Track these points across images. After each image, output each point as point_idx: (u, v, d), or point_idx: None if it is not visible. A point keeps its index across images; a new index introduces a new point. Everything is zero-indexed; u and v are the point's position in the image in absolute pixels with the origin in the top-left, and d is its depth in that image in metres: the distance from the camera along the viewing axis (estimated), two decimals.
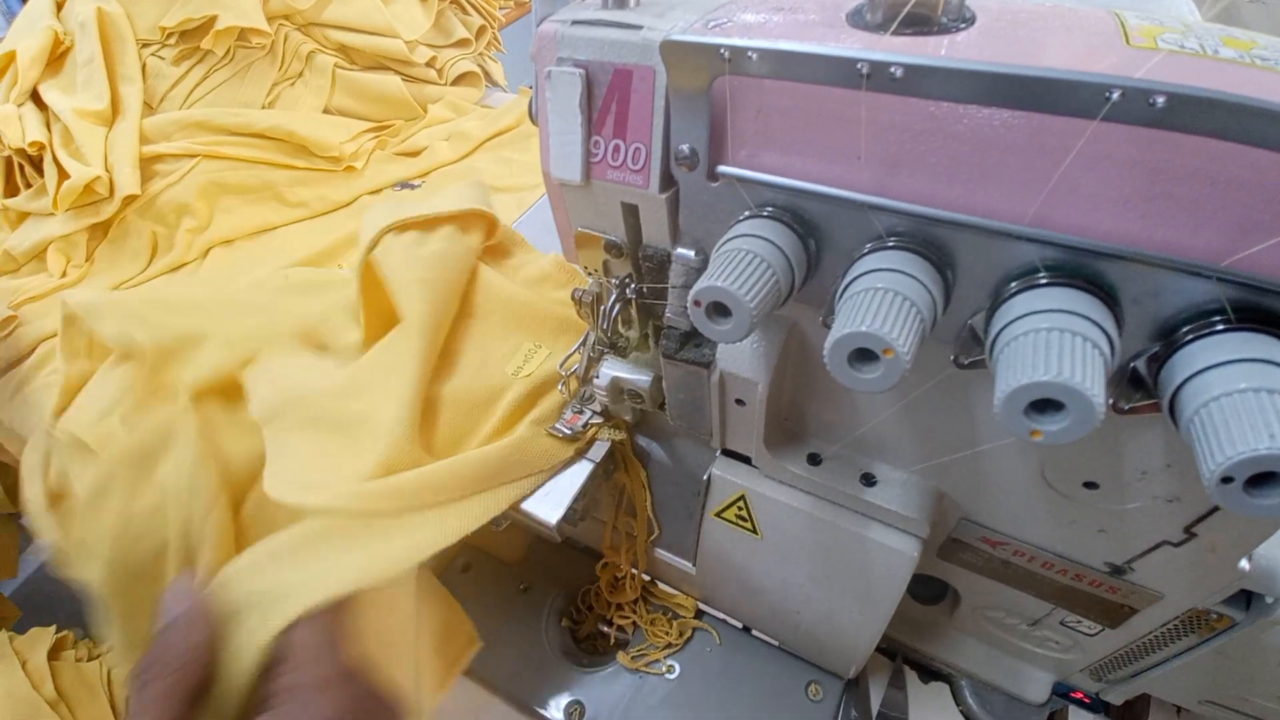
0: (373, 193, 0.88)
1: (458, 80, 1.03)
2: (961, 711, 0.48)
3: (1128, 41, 0.23)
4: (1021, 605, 0.41)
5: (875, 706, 0.48)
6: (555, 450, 0.43)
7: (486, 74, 1.08)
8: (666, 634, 0.51)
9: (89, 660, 0.83)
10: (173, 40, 0.87)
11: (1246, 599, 0.33)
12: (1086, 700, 0.47)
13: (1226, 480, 0.19)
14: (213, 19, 0.85)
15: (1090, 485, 0.30)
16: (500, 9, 1.11)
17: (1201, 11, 0.36)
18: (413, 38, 0.96)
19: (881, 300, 0.23)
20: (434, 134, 0.95)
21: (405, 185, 0.89)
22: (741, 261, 0.25)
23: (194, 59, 0.88)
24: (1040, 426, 0.21)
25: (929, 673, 0.50)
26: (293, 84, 0.92)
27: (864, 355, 0.23)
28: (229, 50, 0.89)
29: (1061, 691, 0.47)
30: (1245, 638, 0.34)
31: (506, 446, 0.41)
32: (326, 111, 0.93)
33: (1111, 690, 0.44)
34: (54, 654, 0.81)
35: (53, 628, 0.85)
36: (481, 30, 1.06)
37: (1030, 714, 0.46)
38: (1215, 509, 0.29)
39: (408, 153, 0.93)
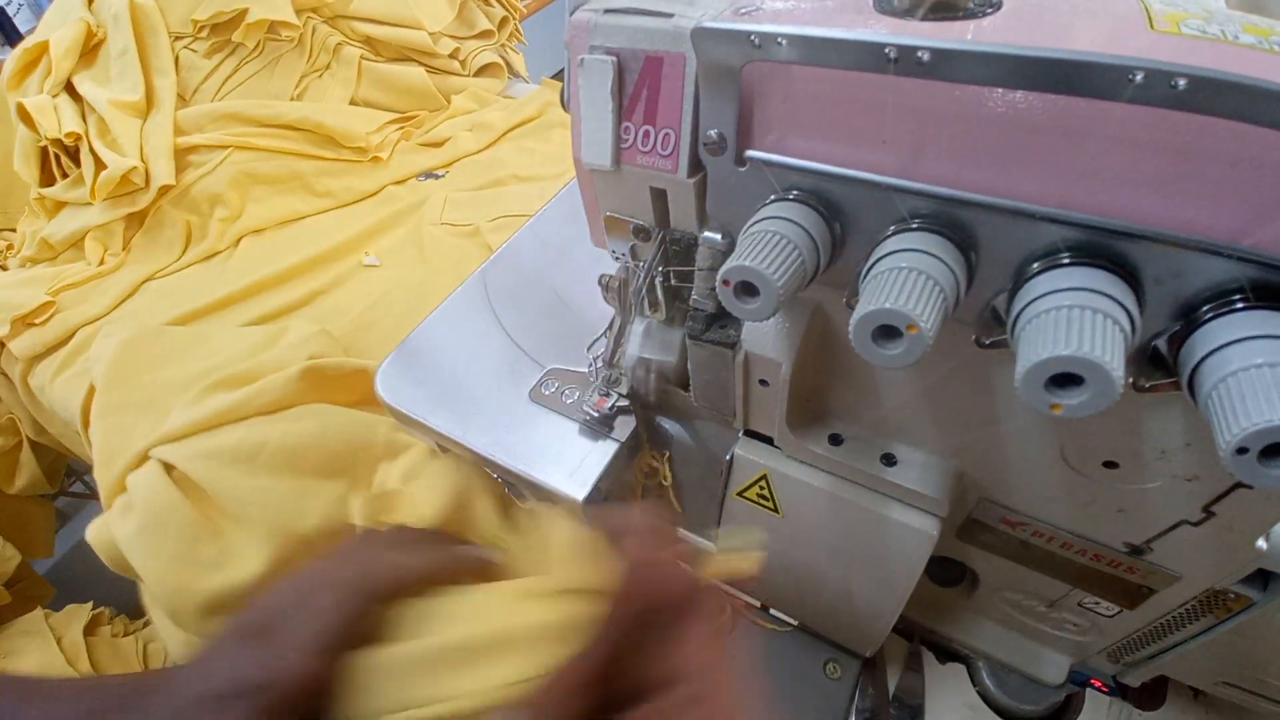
0: (398, 183, 0.89)
1: (480, 71, 1.05)
2: (978, 692, 0.48)
3: (1151, 26, 0.24)
4: (1040, 587, 0.41)
5: (892, 686, 0.49)
6: None
7: (508, 65, 1.09)
8: None
9: (124, 636, 0.85)
10: (204, 33, 0.89)
11: (1264, 579, 0.34)
12: (1105, 689, 0.48)
13: (1241, 451, 0.19)
14: (243, 12, 0.86)
15: (1110, 465, 0.31)
16: (522, 0, 1.12)
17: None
18: (436, 29, 0.97)
19: (905, 279, 0.24)
20: (457, 124, 0.96)
21: (429, 175, 0.90)
22: (769, 243, 0.26)
23: (225, 52, 0.90)
24: (1060, 400, 0.21)
25: (946, 654, 0.51)
26: (320, 76, 0.94)
27: (888, 332, 0.24)
28: (259, 43, 0.90)
29: (1079, 680, 0.48)
30: (1262, 617, 0.34)
31: None
32: (353, 103, 0.94)
33: (1129, 672, 0.44)
34: (89, 630, 0.83)
35: (89, 604, 0.87)
36: (504, 21, 1.07)
37: (1047, 695, 0.47)
38: (1234, 488, 0.29)
39: (432, 143, 0.95)
